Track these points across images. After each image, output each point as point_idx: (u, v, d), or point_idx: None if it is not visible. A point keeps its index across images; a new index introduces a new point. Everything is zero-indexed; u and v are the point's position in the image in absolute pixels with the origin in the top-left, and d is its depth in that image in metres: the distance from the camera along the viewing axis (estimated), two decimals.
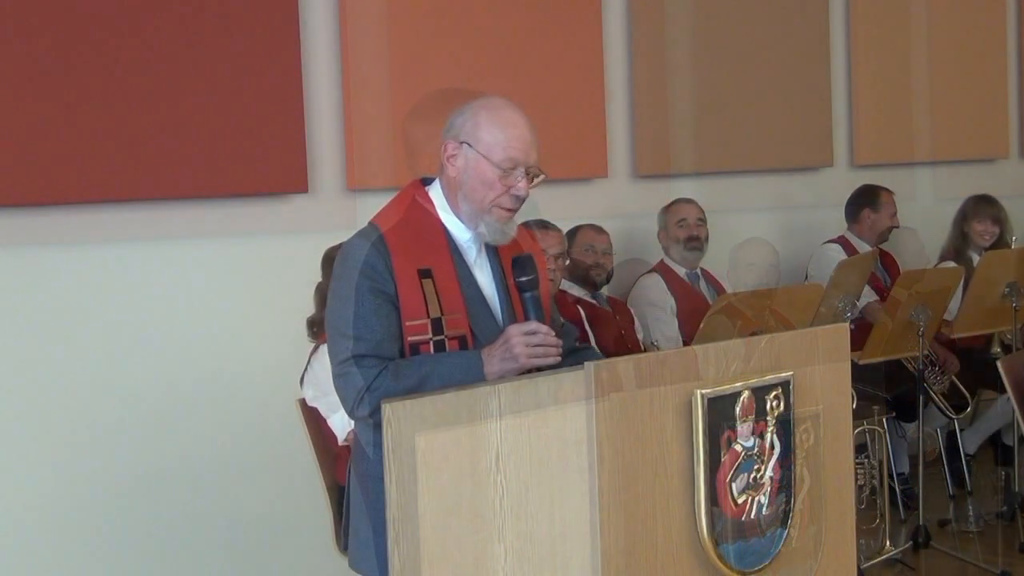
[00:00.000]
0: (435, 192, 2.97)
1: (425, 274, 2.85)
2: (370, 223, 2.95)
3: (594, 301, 5.26)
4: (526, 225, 3.25)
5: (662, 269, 5.62)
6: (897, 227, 6.32)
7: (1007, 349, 5.84)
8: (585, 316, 5.13)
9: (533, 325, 2.79)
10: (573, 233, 5.27)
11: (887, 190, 6.32)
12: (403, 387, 2.71)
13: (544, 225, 4.70)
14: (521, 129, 2.88)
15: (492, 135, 2.86)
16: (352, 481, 2.97)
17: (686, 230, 5.59)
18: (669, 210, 5.65)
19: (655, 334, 5.43)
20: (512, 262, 2.92)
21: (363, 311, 2.80)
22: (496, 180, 2.86)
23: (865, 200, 6.32)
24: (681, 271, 5.61)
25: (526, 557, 2.24)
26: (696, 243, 5.60)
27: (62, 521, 4.32)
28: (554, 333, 2.85)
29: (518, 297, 2.92)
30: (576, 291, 5.22)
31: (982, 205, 6.36)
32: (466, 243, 2.95)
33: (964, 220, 6.37)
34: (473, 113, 2.90)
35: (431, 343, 2.83)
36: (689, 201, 5.66)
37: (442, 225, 2.94)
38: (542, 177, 2.92)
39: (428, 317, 2.83)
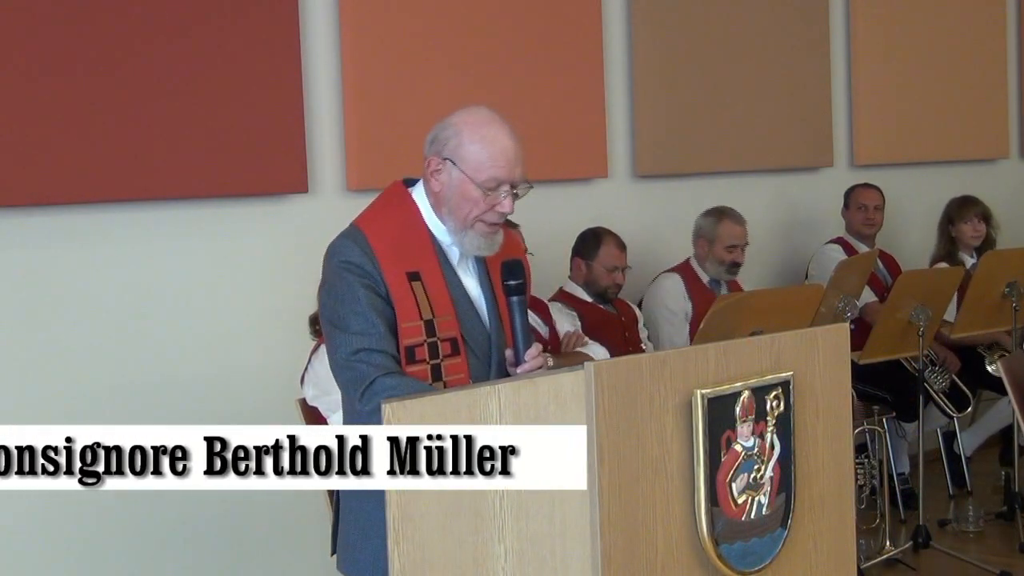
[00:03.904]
0: (419, 194, 2.95)
1: (414, 277, 2.84)
2: (354, 225, 2.93)
3: (599, 305, 5.25)
4: None
5: (685, 271, 5.55)
6: (877, 223, 6.27)
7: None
8: (587, 318, 5.11)
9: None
10: (596, 240, 5.20)
11: (866, 186, 6.29)
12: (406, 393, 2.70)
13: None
14: (504, 146, 2.82)
15: (475, 154, 2.81)
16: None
17: (734, 255, 5.53)
18: (721, 224, 5.52)
19: (663, 340, 5.38)
20: (501, 265, 2.89)
21: (362, 308, 2.79)
22: (480, 198, 2.83)
23: (845, 199, 6.33)
24: (705, 277, 5.56)
25: (526, 557, 2.24)
26: (736, 269, 5.57)
27: (60, 521, 4.31)
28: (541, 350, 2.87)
29: (504, 300, 2.91)
30: (580, 294, 5.21)
31: (966, 206, 6.37)
32: (449, 246, 2.93)
33: (950, 224, 6.37)
34: (456, 130, 2.85)
35: (425, 345, 2.82)
36: (741, 221, 5.56)
37: (426, 227, 2.92)
38: (529, 188, 2.88)
39: (421, 319, 2.82)
